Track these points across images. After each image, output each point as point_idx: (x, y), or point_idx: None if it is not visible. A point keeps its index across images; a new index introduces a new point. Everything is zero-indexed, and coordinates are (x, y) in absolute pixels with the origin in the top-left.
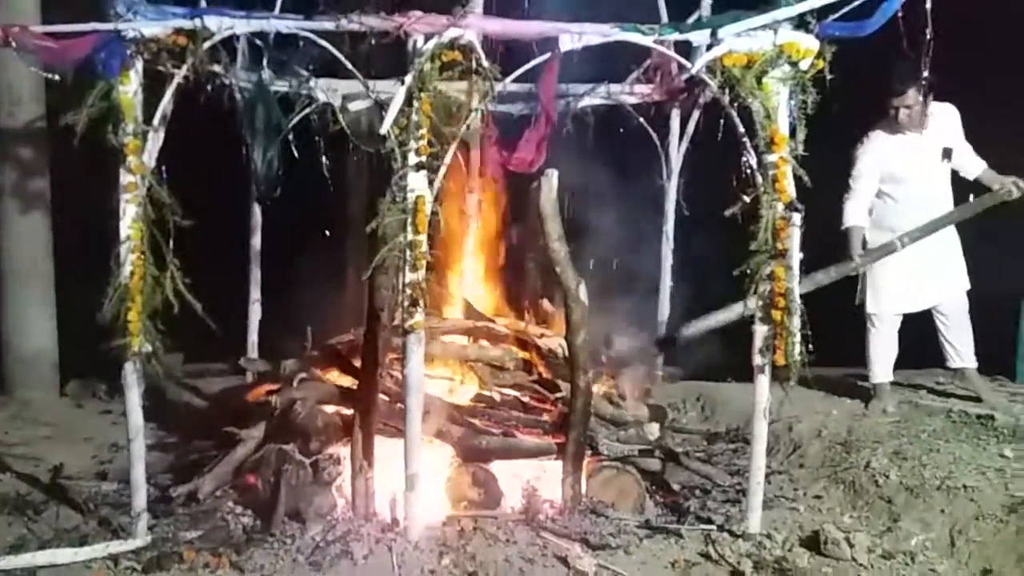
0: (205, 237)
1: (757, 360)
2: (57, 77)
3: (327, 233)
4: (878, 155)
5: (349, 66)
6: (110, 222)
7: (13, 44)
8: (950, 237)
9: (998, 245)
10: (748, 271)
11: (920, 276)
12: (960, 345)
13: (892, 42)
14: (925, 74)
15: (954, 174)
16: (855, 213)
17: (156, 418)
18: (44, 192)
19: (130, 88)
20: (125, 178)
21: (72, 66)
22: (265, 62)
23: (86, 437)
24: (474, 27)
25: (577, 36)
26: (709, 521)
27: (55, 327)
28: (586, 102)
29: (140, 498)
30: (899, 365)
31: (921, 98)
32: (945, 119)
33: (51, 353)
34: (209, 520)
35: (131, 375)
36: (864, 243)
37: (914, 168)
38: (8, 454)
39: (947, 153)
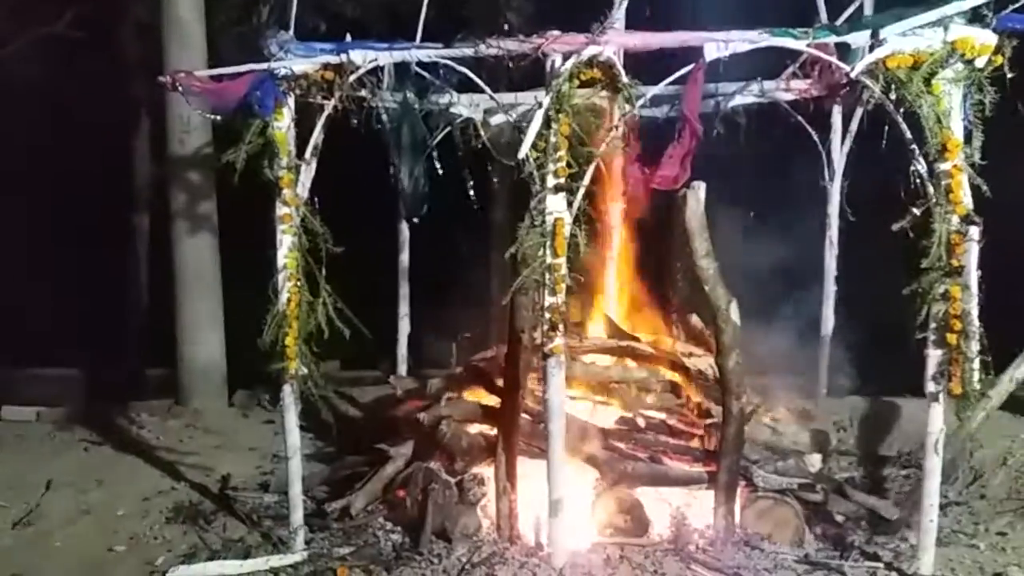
0: (359, 254)
1: (930, 387)
2: (219, 118)
3: (466, 248)
4: None
5: (488, 91)
6: (268, 245)
7: (179, 88)
8: None
9: None
10: (920, 290)
11: None
12: None
13: None
14: None
15: None
16: None
17: (314, 428)
18: (212, 214)
19: (283, 124)
20: (281, 210)
21: (232, 106)
22: (409, 83)
23: (251, 447)
24: (614, 43)
25: (723, 44)
26: (875, 557)
27: (223, 340)
28: (737, 101)
29: (297, 515)
30: None
31: None
32: None
33: (220, 365)
34: (361, 536)
35: (288, 396)
36: None
37: None
38: (182, 463)
39: None
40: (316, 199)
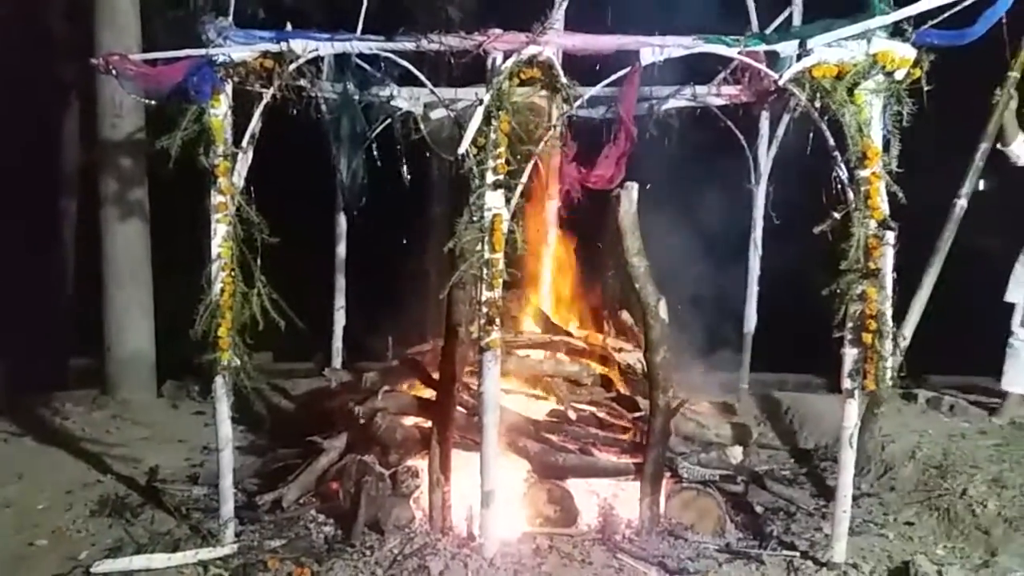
0: (295, 244)
1: (846, 384)
2: (153, 102)
3: (404, 241)
4: None
5: (429, 86)
6: (203, 233)
7: (113, 72)
8: None
9: None
10: (838, 291)
11: None
12: None
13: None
14: None
15: None
16: None
17: (246, 420)
18: (143, 200)
19: (220, 111)
20: (215, 198)
21: (167, 91)
22: (349, 75)
23: (180, 439)
24: (553, 44)
25: (659, 49)
26: (792, 546)
27: (153, 329)
28: (670, 105)
29: (228, 507)
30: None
31: None
32: None
33: (149, 355)
34: (293, 528)
35: (221, 388)
36: None
37: None
38: (108, 454)
39: None
40: (252, 188)
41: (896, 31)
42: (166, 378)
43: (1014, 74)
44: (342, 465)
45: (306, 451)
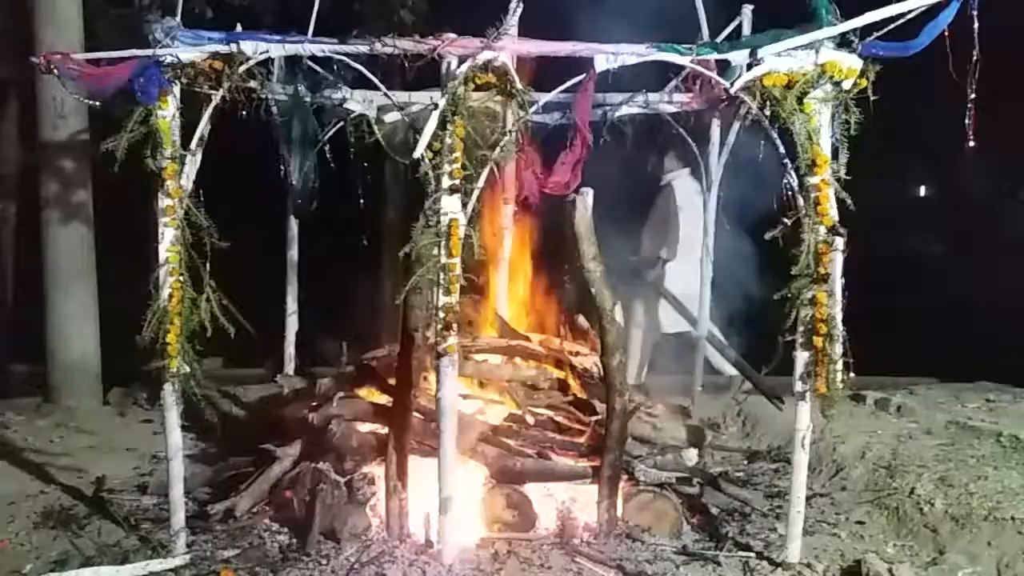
0: (246, 248)
1: (798, 387)
2: (97, 103)
3: (365, 242)
4: None
5: (383, 89)
6: (151, 239)
7: (55, 71)
8: None
9: None
10: (790, 295)
11: None
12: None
13: (940, 61)
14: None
15: None
16: None
17: (196, 428)
18: (86, 202)
19: (168, 112)
20: (163, 202)
21: (112, 92)
22: (300, 77)
23: (128, 447)
24: (508, 49)
25: (612, 56)
26: (748, 547)
27: (98, 335)
28: (623, 111)
29: (179, 517)
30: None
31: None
32: None
33: (94, 361)
34: (246, 537)
35: (170, 395)
36: None
37: None
38: (53, 464)
39: None
40: (201, 191)
41: (843, 42)
42: (112, 385)
43: None
44: (296, 473)
45: (259, 459)
